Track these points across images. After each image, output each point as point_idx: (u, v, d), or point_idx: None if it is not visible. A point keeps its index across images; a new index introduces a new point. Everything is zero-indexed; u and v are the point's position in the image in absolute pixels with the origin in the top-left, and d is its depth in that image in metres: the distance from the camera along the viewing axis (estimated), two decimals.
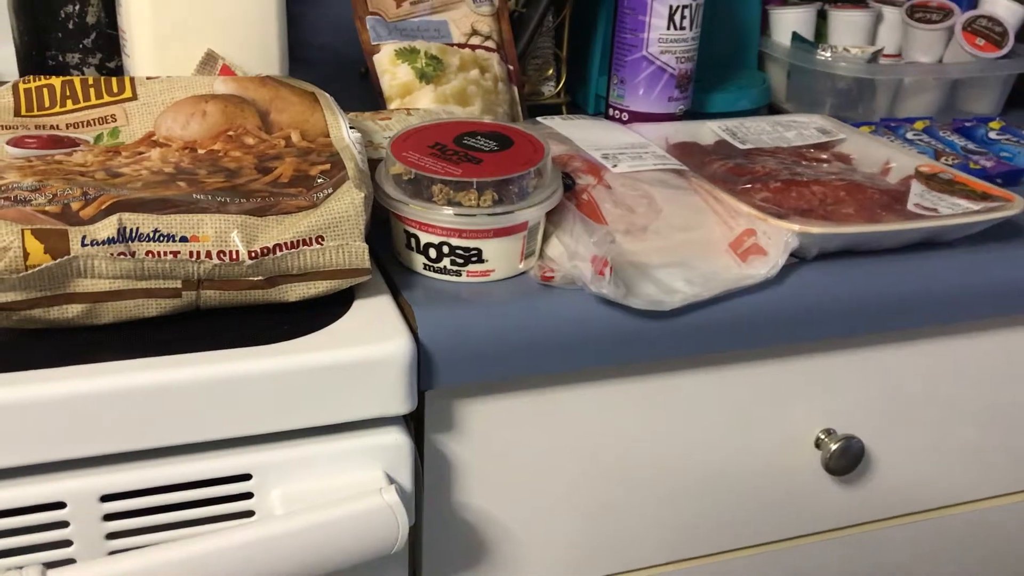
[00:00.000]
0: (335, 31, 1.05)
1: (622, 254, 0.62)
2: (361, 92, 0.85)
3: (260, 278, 0.54)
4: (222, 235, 0.53)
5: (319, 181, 0.58)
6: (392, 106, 0.80)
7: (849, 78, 0.96)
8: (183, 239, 0.52)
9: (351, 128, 0.63)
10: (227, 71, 0.72)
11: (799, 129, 0.85)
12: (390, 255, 0.63)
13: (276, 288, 0.55)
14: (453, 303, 0.58)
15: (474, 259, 0.60)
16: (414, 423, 0.60)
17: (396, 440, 0.56)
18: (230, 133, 0.62)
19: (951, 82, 1.00)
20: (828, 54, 0.96)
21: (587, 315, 0.59)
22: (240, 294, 0.54)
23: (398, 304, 0.58)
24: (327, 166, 0.59)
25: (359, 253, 0.55)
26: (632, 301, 0.58)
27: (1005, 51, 0.97)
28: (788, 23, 1.01)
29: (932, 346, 0.72)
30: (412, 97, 0.80)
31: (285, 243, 0.54)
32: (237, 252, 0.53)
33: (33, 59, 0.85)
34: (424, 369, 0.56)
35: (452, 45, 0.82)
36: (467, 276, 0.60)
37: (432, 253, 0.60)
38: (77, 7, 0.82)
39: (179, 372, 0.50)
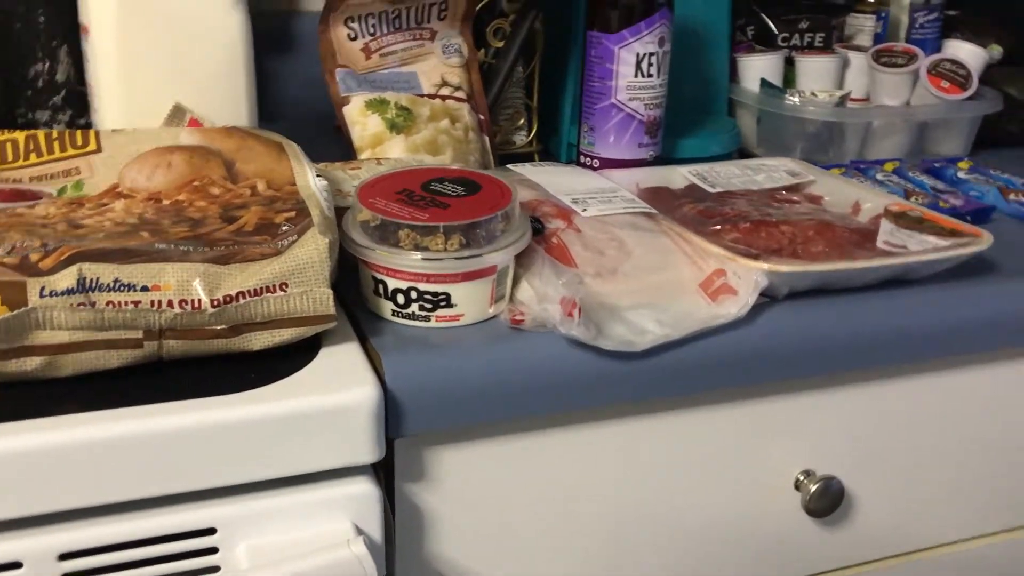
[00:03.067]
0: (309, 87, 1.05)
1: (592, 296, 0.61)
2: (334, 146, 0.85)
3: (223, 327, 0.53)
4: (184, 284, 0.52)
5: (284, 228, 0.57)
6: (363, 156, 0.80)
7: (818, 122, 0.97)
8: (144, 288, 0.52)
9: (318, 176, 0.63)
10: (195, 124, 0.72)
11: (769, 172, 0.85)
12: (359, 302, 0.62)
13: (240, 337, 0.54)
14: (422, 349, 0.57)
15: (443, 304, 0.59)
16: (384, 472, 0.59)
17: (364, 490, 0.55)
18: (195, 183, 0.62)
19: (919, 124, 1.01)
20: (796, 99, 0.97)
21: (558, 358, 0.58)
22: (203, 343, 0.54)
23: (366, 351, 0.57)
24: (292, 213, 0.58)
25: (323, 299, 0.54)
26: (602, 342, 0.57)
27: (969, 93, 0.99)
28: (756, 70, 1.02)
29: (908, 383, 0.71)
30: (383, 147, 0.80)
31: (248, 291, 0.53)
32: (199, 300, 0.52)
33: (3, 118, 0.85)
34: (392, 417, 0.55)
35: (422, 96, 0.82)
36: (436, 321, 0.60)
37: (400, 299, 0.59)
38: (47, 65, 0.82)
39: (140, 424, 0.49)
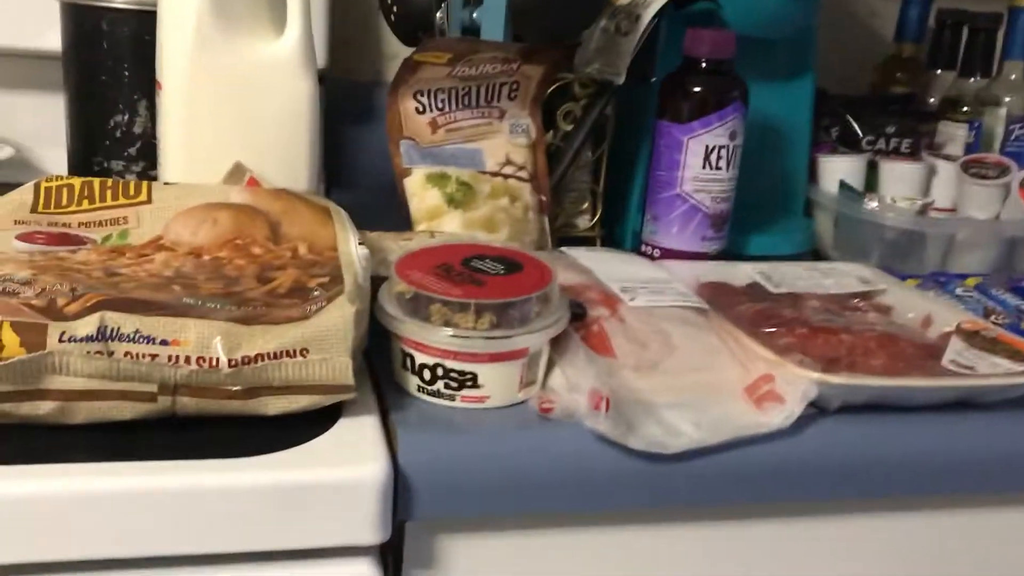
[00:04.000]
0: (386, 158, 1.06)
1: (627, 390, 0.58)
2: (398, 218, 0.84)
3: (239, 387, 0.52)
4: (204, 340, 0.51)
5: (315, 294, 0.56)
6: (419, 228, 0.80)
7: (897, 229, 0.92)
8: (163, 342, 0.51)
9: (360, 244, 0.62)
10: (253, 184, 0.72)
11: (839, 277, 0.81)
12: (390, 376, 0.61)
13: (256, 400, 0.53)
14: (443, 429, 0.55)
15: (469, 384, 0.57)
16: (392, 556, 0.57)
17: (365, 572, 0.53)
18: (238, 242, 0.62)
19: (1008, 240, 0.96)
20: (876, 204, 0.93)
21: (584, 454, 0.55)
22: (217, 403, 0.52)
23: (385, 426, 0.56)
24: (326, 279, 0.58)
25: (343, 369, 0.53)
26: (631, 441, 0.54)
27: None
28: (837, 171, 0.99)
29: (959, 518, 0.66)
30: (439, 221, 0.79)
31: (268, 353, 0.52)
32: (217, 360, 0.51)
33: (81, 164, 0.87)
34: (403, 498, 0.53)
35: (484, 173, 0.82)
36: (461, 401, 0.58)
37: (426, 375, 0.57)
38: (126, 116, 0.84)
39: (132, 480, 0.48)
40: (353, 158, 1.15)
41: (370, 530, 0.51)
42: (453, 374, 0.57)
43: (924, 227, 0.92)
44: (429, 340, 0.56)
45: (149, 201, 0.64)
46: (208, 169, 0.73)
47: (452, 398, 0.57)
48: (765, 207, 0.97)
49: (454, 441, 0.55)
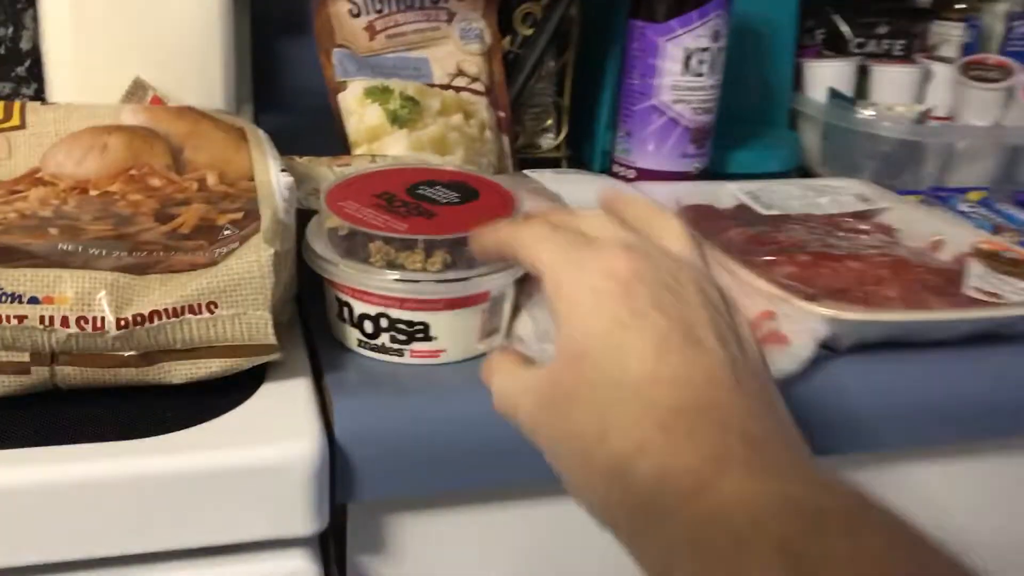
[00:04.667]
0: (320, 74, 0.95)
1: None
2: (335, 143, 0.74)
3: (132, 353, 0.42)
4: (85, 296, 0.41)
5: (226, 233, 0.46)
6: (358, 151, 0.69)
7: (894, 140, 0.83)
8: (33, 300, 0.41)
9: (283, 171, 0.51)
10: (158, 103, 0.61)
11: (834, 195, 0.72)
12: (325, 328, 0.51)
13: (155, 367, 0.43)
14: (388, 391, 0.46)
15: (419, 336, 0.48)
16: (334, 541, 0.48)
17: (300, 567, 0.44)
18: (132, 172, 0.51)
19: (1010, 148, 0.87)
20: (870, 112, 0.84)
21: None
22: (108, 373, 0.43)
23: (320, 391, 0.46)
24: (239, 215, 0.47)
25: (260, 326, 0.43)
26: None
27: None
28: (825, 78, 0.89)
29: (991, 464, 0.58)
30: (381, 143, 0.69)
31: (167, 309, 0.42)
32: (102, 320, 0.41)
33: None
34: (341, 478, 0.44)
35: (433, 86, 0.71)
36: (411, 356, 0.48)
37: (368, 327, 0.48)
38: (10, 30, 0.72)
39: (6, 473, 0.39)
40: (288, 76, 1.03)
41: (302, 519, 0.42)
42: (400, 325, 0.47)
43: (923, 137, 0.83)
44: (370, 286, 0.47)
45: (22, 126, 0.53)
46: (103, 88, 0.62)
47: (400, 353, 0.48)
48: (745, 120, 0.87)
49: (402, 406, 0.46)
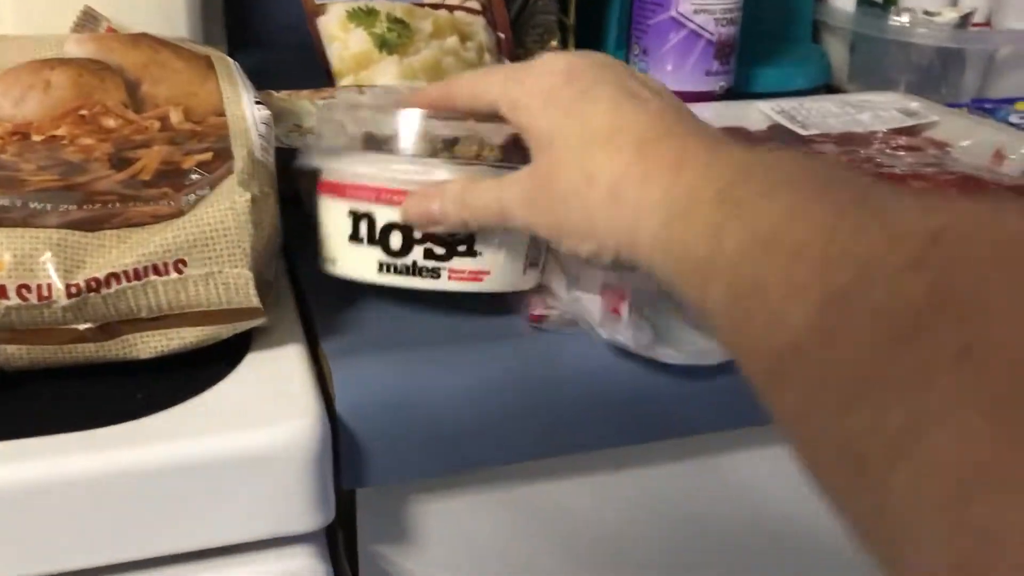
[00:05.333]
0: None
1: (647, 281, 0.42)
2: (319, 78, 0.66)
3: (88, 325, 0.35)
4: (25, 260, 0.34)
5: (193, 177, 0.39)
6: (343, 83, 0.61)
7: (931, 49, 0.76)
8: None
9: (258, 104, 0.44)
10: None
11: (875, 111, 0.65)
12: (316, 282, 0.44)
13: (117, 341, 0.36)
14: (396, 356, 0.39)
15: (461, 249, 0.39)
16: (343, 532, 0.41)
17: (305, 567, 0.37)
18: (82, 112, 0.43)
19: None
20: (904, 19, 0.76)
21: (597, 375, 0.40)
22: (60, 350, 0.36)
23: (316, 359, 0.39)
24: (208, 155, 0.40)
25: (239, 286, 0.36)
26: (663, 353, 0.39)
27: None
28: None
29: None
30: (369, 72, 0.61)
31: (125, 271, 0.35)
32: (48, 286, 0.34)
33: None
34: (347, 462, 0.37)
35: (423, 6, 0.63)
36: (449, 279, 0.40)
37: (395, 241, 0.39)
38: None
39: None
40: (262, 12, 0.94)
41: (304, 513, 0.36)
42: (440, 235, 0.39)
43: (964, 44, 0.76)
44: (406, 180, 0.38)
45: None
46: (49, 17, 0.54)
47: (436, 274, 0.39)
48: (766, 35, 0.79)
49: (414, 372, 0.39)
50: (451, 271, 0.40)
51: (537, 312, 0.41)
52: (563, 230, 0.35)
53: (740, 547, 0.49)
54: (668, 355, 0.39)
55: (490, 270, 0.40)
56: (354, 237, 0.40)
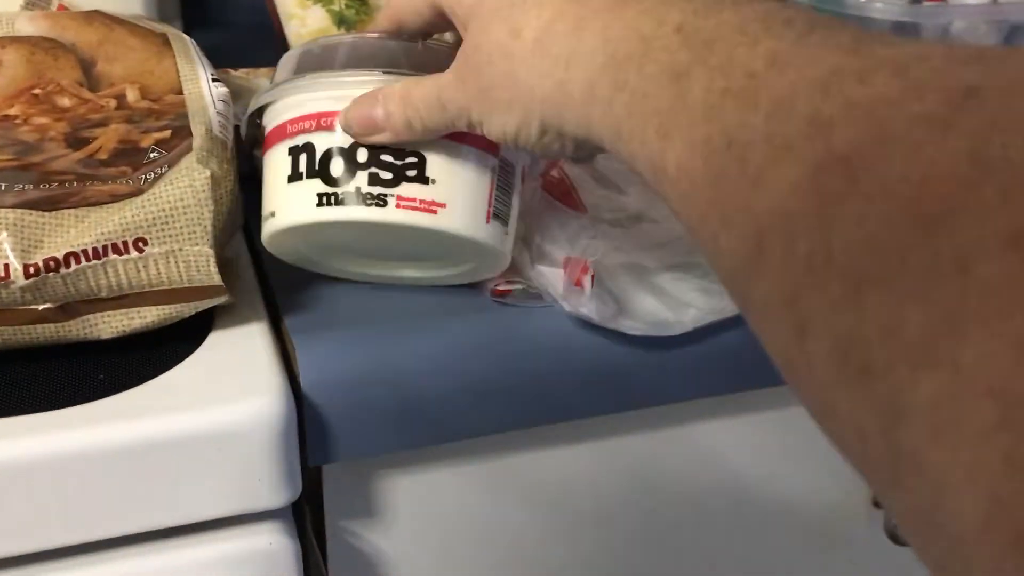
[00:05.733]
0: None
1: (609, 254, 0.42)
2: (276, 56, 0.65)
3: (48, 305, 0.35)
4: None
5: (152, 156, 0.38)
6: None
7: (887, 24, 0.77)
8: None
9: (215, 81, 0.44)
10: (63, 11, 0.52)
11: None
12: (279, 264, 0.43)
13: (77, 320, 0.36)
14: (360, 329, 0.39)
15: (411, 174, 0.35)
16: (310, 508, 0.41)
17: (273, 544, 0.37)
18: (36, 91, 0.43)
19: (1008, 28, 0.81)
20: None
21: (561, 347, 0.40)
22: (19, 331, 0.35)
23: (279, 336, 0.39)
24: (166, 133, 0.39)
25: (200, 264, 0.36)
26: (625, 324, 0.39)
27: None
28: None
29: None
30: None
31: (84, 251, 0.35)
32: (6, 267, 0.34)
33: None
34: (314, 438, 0.37)
35: None
36: (397, 206, 0.35)
37: (336, 168, 0.35)
38: None
39: None
40: None
41: (271, 489, 0.36)
42: (385, 156, 0.35)
43: (920, 19, 0.77)
44: (345, 91, 0.35)
45: None
46: None
47: (382, 201, 0.35)
48: None
49: (379, 344, 0.39)
50: (399, 198, 0.35)
51: (500, 287, 0.41)
52: (489, 100, 0.31)
53: (710, 514, 0.49)
54: (631, 326, 0.39)
55: (445, 203, 0.36)
56: (293, 176, 0.36)
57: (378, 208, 0.35)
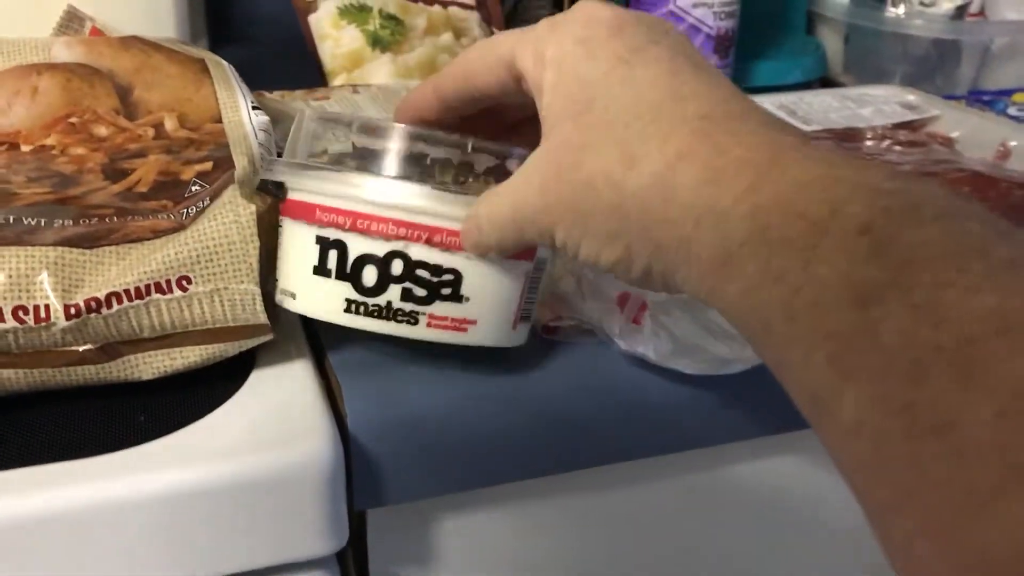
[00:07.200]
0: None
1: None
2: (308, 76, 0.64)
3: (89, 347, 0.34)
4: (21, 281, 0.33)
5: (194, 189, 0.37)
6: (336, 82, 0.60)
7: (926, 40, 0.75)
8: None
9: (255, 109, 0.42)
10: (97, 35, 0.51)
11: (876, 104, 0.64)
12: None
13: (119, 362, 0.35)
14: (409, 369, 0.38)
15: (446, 291, 0.34)
16: (353, 553, 0.40)
17: None
18: (72, 120, 0.42)
19: None
20: (900, 10, 0.75)
21: (614, 386, 0.39)
22: (59, 373, 0.34)
23: (323, 374, 0.38)
24: (207, 165, 0.38)
25: (247, 303, 0.34)
26: (683, 363, 0.38)
27: None
28: None
29: None
30: (363, 71, 0.60)
31: (126, 290, 0.33)
32: (47, 308, 0.33)
33: None
34: (361, 482, 0.36)
35: (416, 1, 0.62)
36: (428, 326, 0.34)
37: (369, 276, 0.34)
38: None
39: None
40: (246, 4, 0.92)
41: (317, 537, 0.34)
42: (422, 271, 0.33)
43: (961, 35, 0.75)
44: (384, 200, 0.33)
45: None
46: (31, 18, 0.52)
47: (414, 319, 0.34)
48: (761, 26, 0.78)
49: (430, 388, 0.37)
50: (431, 317, 0.34)
51: (551, 323, 0.40)
52: (584, 227, 0.28)
53: (759, 558, 0.48)
54: (688, 365, 0.38)
55: (476, 319, 0.35)
56: (320, 270, 0.34)
57: (408, 326, 0.34)
